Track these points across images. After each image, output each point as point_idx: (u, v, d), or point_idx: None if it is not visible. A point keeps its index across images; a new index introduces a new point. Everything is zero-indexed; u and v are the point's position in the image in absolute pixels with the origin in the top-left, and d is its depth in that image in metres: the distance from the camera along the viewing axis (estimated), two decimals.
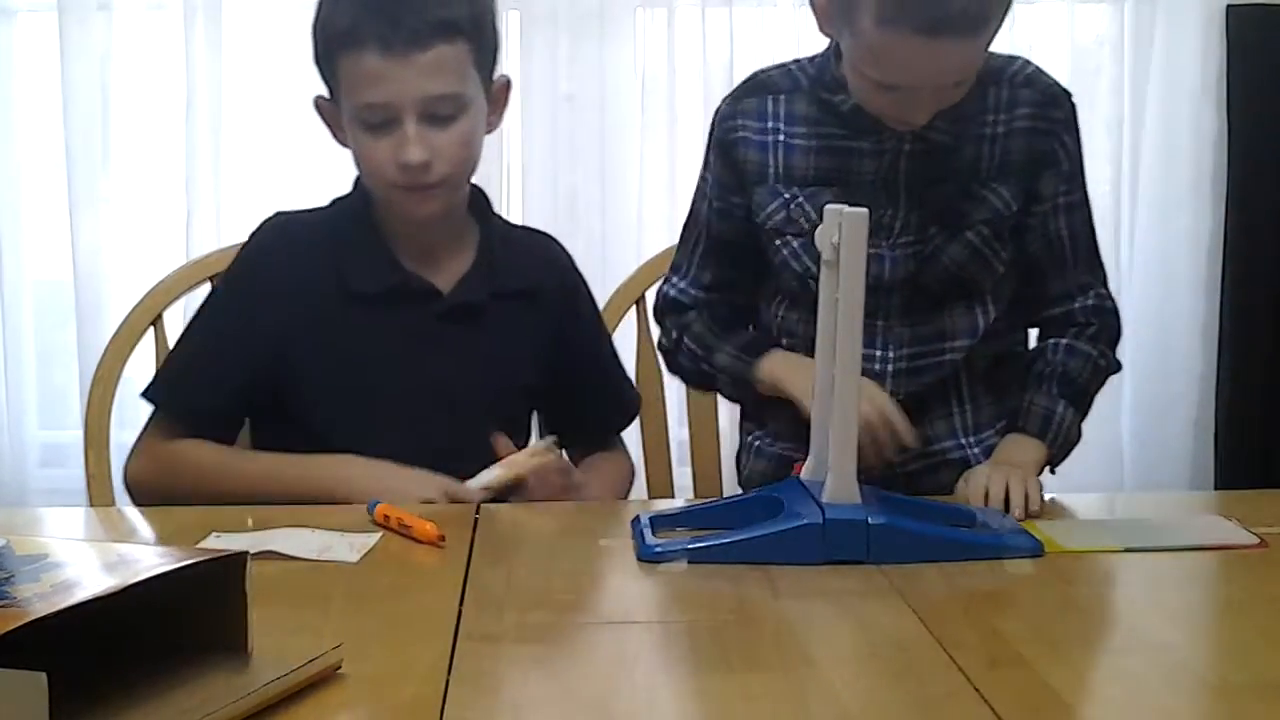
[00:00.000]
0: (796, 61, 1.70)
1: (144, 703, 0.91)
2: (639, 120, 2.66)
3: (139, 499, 1.63)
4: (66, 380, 2.67)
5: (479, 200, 1.72)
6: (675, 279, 1.78)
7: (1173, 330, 2.77)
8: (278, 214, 1.71)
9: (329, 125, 1.65)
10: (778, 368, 1.65)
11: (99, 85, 2.59)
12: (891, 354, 1.67)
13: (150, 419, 1.66)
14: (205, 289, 1.84)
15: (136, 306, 1.82)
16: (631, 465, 1.85)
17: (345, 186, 1.70)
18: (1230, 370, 2.75)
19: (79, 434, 1.80)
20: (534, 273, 1.74)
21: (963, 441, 1.70)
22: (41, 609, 0.86)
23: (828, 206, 1.37)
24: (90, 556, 1.02)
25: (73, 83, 2.58)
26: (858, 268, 1.31)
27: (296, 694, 0.96)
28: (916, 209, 1.63)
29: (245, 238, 1.71)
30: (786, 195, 1.66)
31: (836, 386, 1.33)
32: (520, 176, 2.66)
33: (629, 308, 1.95)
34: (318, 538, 1.37)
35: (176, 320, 2.16)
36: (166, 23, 2.59)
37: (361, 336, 1.63)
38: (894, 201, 1.63)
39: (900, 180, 1.63)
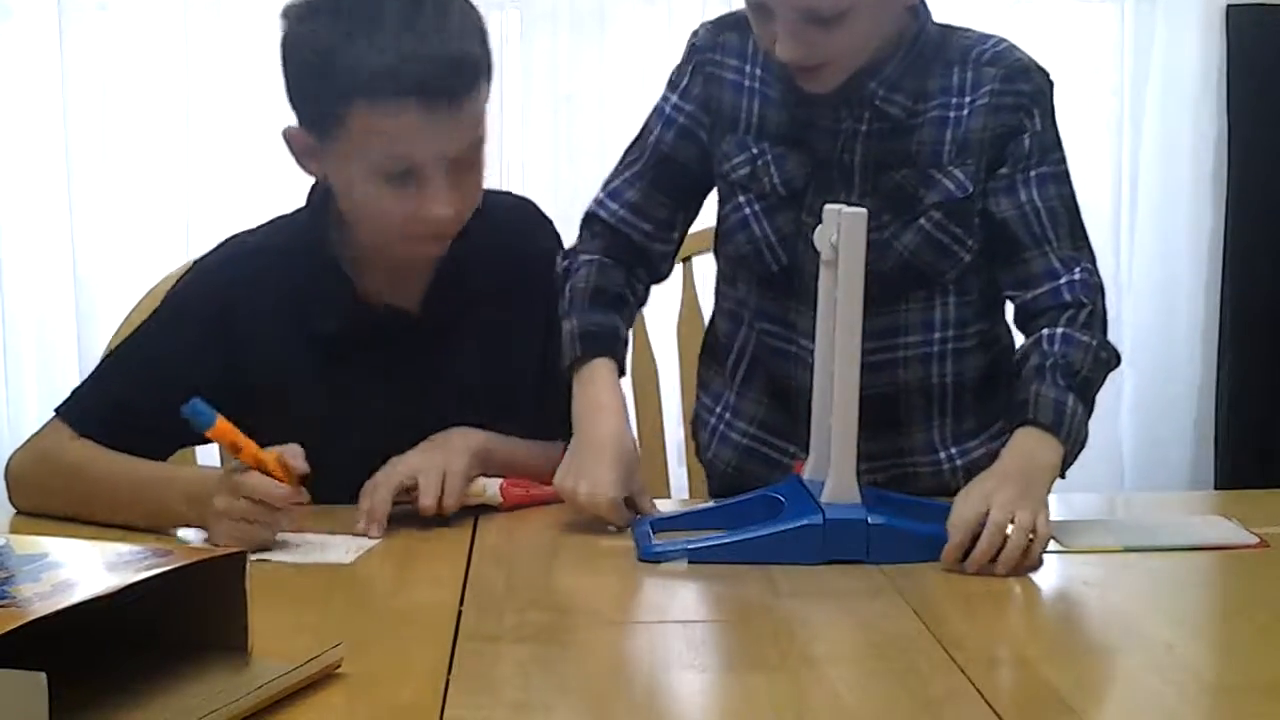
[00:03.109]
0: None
1: (144, 703, 0.91)
2: (639, 120, 2.65)
3: (16, 496, 1.51)
4: (66, 380, 2.67)
5: None
6: (599, 194, 1.66)
7: (1173, 330, 2.77)
8: (231, 239, 1.61)
9: (296, 155, 1.50)
10: (584, 394, 1.48)
11: (99, 85, 2.59)
12: None
13: (50, 423, 1.54)
14: None
15: (136, 307, 1.82)
16: None
17: None
18: (1230, 370, 2.75)
19: None
20: (513, 263, 1.59)
21: (940, 455, 1.62)
22: (41, 609, 0.86)
23: (827, 206, 1.37)
24: (90, 556, 1.02)
25: (72, 82, 2.58)
26: (857, 266, 1.31)
27: (296, 694, 0.96)
28: (870, 194, 1.54)
29: (194, 263, 1.63)
30: (755, 150, 1.57)
31: (836, 386, 1.33)
32: (520, 176, 2.66)
33: None
34: (314, 539, 1.37)
35: None
36: (166, 23, 2.59)
37: (332, 378, 1.52)
38: (848, 186, 1.54)
39: (856, 164, 1.55)
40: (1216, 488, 2.74)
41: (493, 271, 1.57)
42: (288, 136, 1.50)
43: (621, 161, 1.68)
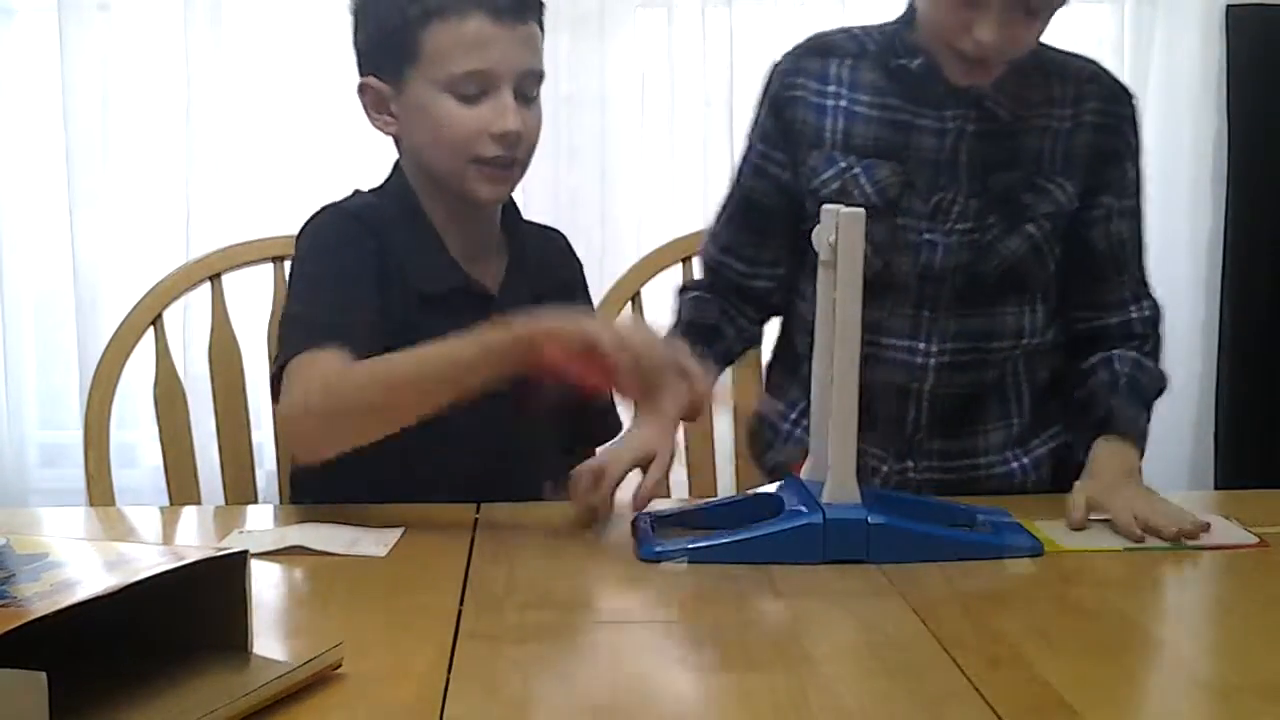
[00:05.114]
0: (863, 28, 1.65)
1: (144, 703, 0.91)
2: (639, 120, 2.66)
3: (307, 442, 1.47)
4: (66, 380, 2.67)
5: (509, 204, 1.69)
6: (706, 231, 1.74)
7: (1173, 330, 2.73)
8: (326, 208, 1.62)
9: (371, 109, 1.60)
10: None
11: (99, 85, 2.59)
12: (934, 347, 1.61)
13: (285, 372, 1.46)
14: (205, 289, 1.84)
15: (136, 306, 1.82)
16: None
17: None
18: (1230, 370, 2.75)
19: (79, 434, 1.79)
20: (562, 272, 1.73)
21: (1009, 454, 1.65)
22: (42, 608, 0.86)
23: (824, 206, 1.37)
24: (90, 556, 1.02)
25: (73, 83, 2.58)
26: (854, 268, 1.31)
27: (296, 694, 0.96)
28: (977, 195, 1.58)
29: (299, 232, 1.60)
30: (843, 164, 1.60)
31: (835, 387, 1.33)
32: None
33: (624, 304, 1.95)
34: (345, 532, 1.38)
35: (176, 320, 2.17)
36: (166, 23, 2.59)
37: (426, 337, 1.53)
38: (954, 184, 1.58)
39: (962, 162, 1.58)
40: (1216, 488, 2.74)
41: (553, 276, 1.68)
42: (363, 87, 1.60)
43: (721, 204, 1.75)
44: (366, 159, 2.54)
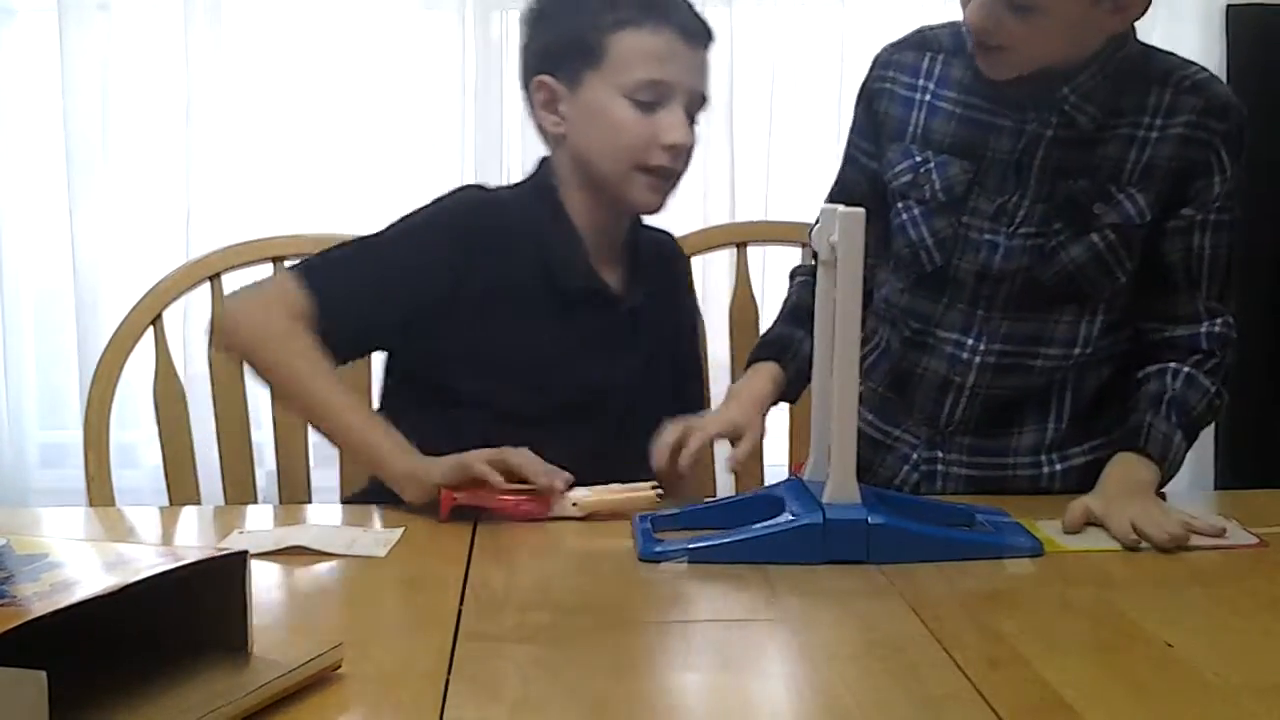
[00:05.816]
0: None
1: (144, 703, 0.91)
2: None
3: (227, 337, 1.60)
4: (66, 380, 2.67)
5: None
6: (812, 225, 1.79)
7: None
8: (471, 186, 1.71)
9: (540, 108, 1.65)
10: (738, 383, 1.66)
11: (99, 85, 2.60)
12: (983, 346, 1.61)
13: (286, 282, 1.58)
14: (205, 289, 1.84)
15: (136, 306, 1.82)
16: None
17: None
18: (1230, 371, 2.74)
19: (79, 434, 1.80)
20: (670, 272, 1.80)
21: (1042, 458, 1.64)
22: (41, 608, 0.86)
23: (824, 205, 1.37)
24: (90, 556, 1.02)
25: (73, 83, 2.58)
26: (854, 268, 1.31)
27: (296, 694, 0.96)
28: (1044, 200, 1.56)
29: (435, 199, 1.66)
30: (918, 158, 1.62)
31: (835, 387, 1.33)
32: (523, 175, 2.65)
33: None
34: (345, 533, 1.38)
35: (176, 320, 2.17)
36: (166, 23, 2.60)
37: (552, 332, 1.63)
38: (1022, 187, 1.57)
39: (1035, 166, 1.56)
40: (1216, 488, 2.74)
41: (662, 277, 1.77)
42: (535, 85, 1.64)
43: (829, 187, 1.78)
44: (367, 159, 2.56)
